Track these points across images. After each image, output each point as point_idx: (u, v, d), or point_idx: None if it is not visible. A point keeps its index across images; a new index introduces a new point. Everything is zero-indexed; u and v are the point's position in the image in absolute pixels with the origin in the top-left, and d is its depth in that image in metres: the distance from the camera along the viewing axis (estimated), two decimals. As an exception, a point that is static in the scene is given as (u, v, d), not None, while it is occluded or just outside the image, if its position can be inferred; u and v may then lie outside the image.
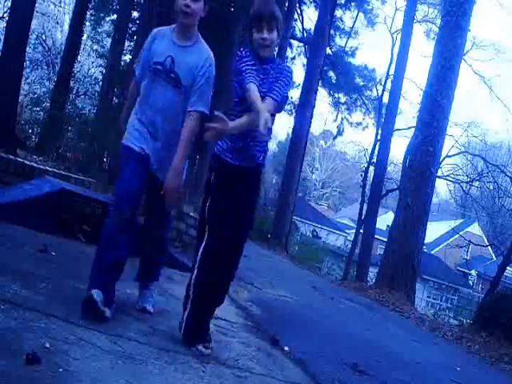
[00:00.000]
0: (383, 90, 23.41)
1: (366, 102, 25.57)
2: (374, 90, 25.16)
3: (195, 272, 2.80)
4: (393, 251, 11.13)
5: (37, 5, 10.89)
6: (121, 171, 2.91)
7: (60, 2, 25.19)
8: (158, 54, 2.93)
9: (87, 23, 18.88)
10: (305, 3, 23.59)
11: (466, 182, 22.85)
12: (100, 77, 21.46)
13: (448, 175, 22.78)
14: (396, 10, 24.67)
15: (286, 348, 3.46)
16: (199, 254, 2.81)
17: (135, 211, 2.84)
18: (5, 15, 17.51)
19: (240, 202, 2.81)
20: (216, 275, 2.77)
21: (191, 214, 6.73)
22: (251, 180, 2.90)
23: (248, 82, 2.64)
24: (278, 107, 2.80)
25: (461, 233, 26.74)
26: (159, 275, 3.35)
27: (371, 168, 21.40)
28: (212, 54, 2.97)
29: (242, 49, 2.88)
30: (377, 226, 19.38)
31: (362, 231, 19.76)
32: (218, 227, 2.77)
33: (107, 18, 22.58)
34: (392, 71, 21.60)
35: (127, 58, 20.15)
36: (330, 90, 25.78)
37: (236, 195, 2.80)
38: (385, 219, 32.33)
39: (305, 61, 23.32)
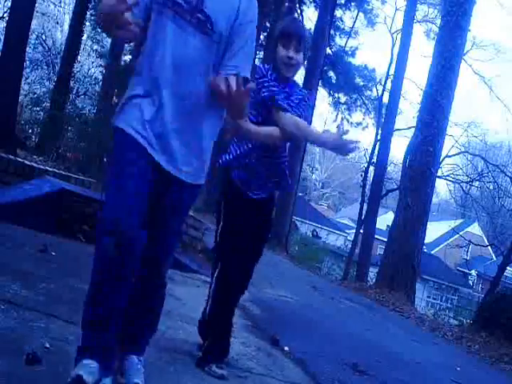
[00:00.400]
0: (383, 90, 23.42)
1: (366, 102, 25.56)
2: (374, 89, 25.15)
3: (209, 302, 2.75)
4: (393, 251, 11.13)
5: (37, 5, 10.90)
6: (111, 175, 1.92)
7: (60, 2, 25.19)
8: None
9: (87, 23, 18.86)
10: (305, 3, 23.58)
11: (466, 182, 22.86)
12: (100, 77, 21.45)
13: (448, 175, 22.79)
14: (396, 9, 24.68)
15: (286, 348, 3.46)
16: (213, 283, 2.72)
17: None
18: (5, 15, 17.50)
19: (250, 231, 2.68)
20: (227, 305, 2.73)
21: (191, 213, 6.72)
22: (262, 209, 2.72)
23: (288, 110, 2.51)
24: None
25: (461, 233, 26.75)
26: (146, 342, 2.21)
27: (371, 168, 21.40)
28: None
29: (262, 64, 2.70)
30: (377, 226, 19.38)
31: (362, 231, 19.75)
32: (229, 255, 2.67)
33: (107, 18, 22.57)
34: (392, 71, 21.60)
35: (127, 58, 20.14)
36: (329, 90, 25.76)
37: (246, 224, 2.67)
38: (385, 219, 32.32)
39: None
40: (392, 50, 23.21)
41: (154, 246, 1.95)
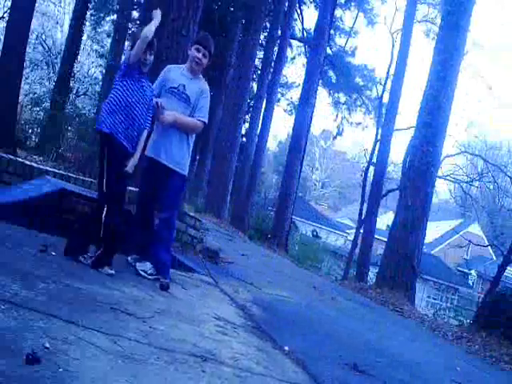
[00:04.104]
0: (383, 90, 23.42)
1: (366, 101, 25.61)
2: (374, 89, 25.18)
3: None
4: (393, 251, 11.11)
5: (37, 5, 10.90)
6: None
7: (60, 2, 25.23)
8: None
9: (87, 23, 18.90)
10: (305, 3, 23.62)
11: (466, 182, 22.86)
12: (100, 77, 21.48)
13: (448, 175, 22.79)
14: (396, 10, 24.71)
15: (286, 348, 3.46)
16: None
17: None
18: (5, 15, 17.51)
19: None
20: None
21: (191, 214, 6.72)
22: None
23: None
24: None
25: (461, 233, 26.78)
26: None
27: (371, 168, 21.40)
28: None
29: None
30: (377, 225, 19.39)
31: (362, 231, 19.76)
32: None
33: (107, 18, 22.60)
34: (392, 71, 21.61)
35: (127, 58, 20.11)
36: (330, 90, 25.81)
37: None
38: (385, 219, 32.35)
39: (305, 61, 23.33)
40: (392, 50, 23.22)
41: None
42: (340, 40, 24.88)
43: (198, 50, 4.30)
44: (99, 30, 23.87)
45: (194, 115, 4.28)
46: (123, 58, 4.24)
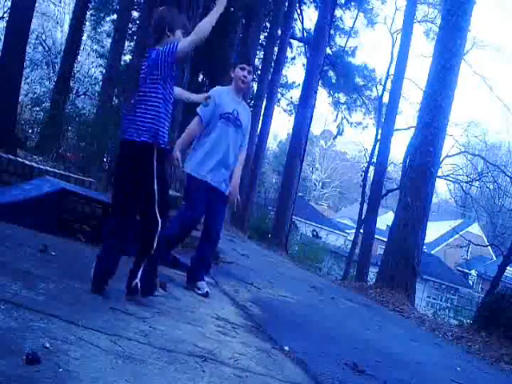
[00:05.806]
0: (383, 90, 23.42)
1: (366, 101, 25.59)
2: (374, 89, 25.17)
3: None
4: (393, 251, 11.10)
5: (37, 5, 10.89)
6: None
7: (60, 2, 25.23)
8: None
9: (87, 23, 18.89)
10: (305, 3, 23.61)
11: (466, 182, 22.87)
12: (100, 77, 21.48)
13: (448, 175, 22.80)
14: (396, 9, 24.71)
15: (286, 348, 3.46)
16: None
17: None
18: (5, 15, 17.52)
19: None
20: None
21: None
22: None
23: None
24: None
25: (461, 233, 26.78)
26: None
27: (371, 168, 21.40)
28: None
29: None
30: (377, 225, 19.39)
31: (362, 231, 19.76)
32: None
33: (107, 18, 22.60)
34: (392, 71, 21.62)
35: (127, 57, 20.15)
36: (329, 90, 25.81)
37: None
38: (385, 219, 32.36)
39: (305, 61, 23.34)
40: (392, 50, 23.23)
41: None
42: (340, 40, 24.88)
43: (243, 69, 4.36)
44: (99, 30, 23.87)
45: (242, 144, 4.40)
46: (168, 46, 3.11)
